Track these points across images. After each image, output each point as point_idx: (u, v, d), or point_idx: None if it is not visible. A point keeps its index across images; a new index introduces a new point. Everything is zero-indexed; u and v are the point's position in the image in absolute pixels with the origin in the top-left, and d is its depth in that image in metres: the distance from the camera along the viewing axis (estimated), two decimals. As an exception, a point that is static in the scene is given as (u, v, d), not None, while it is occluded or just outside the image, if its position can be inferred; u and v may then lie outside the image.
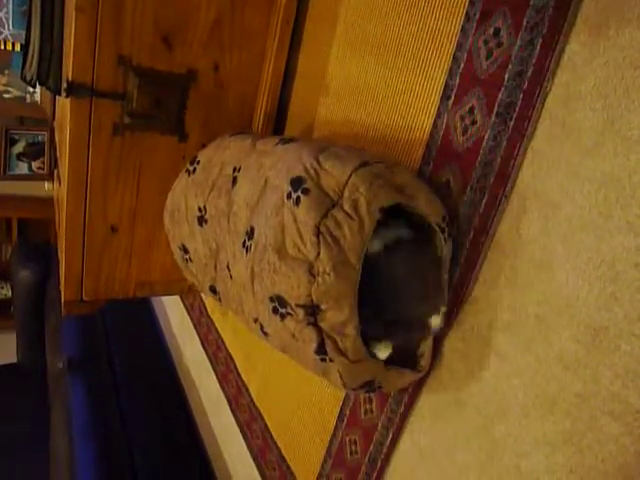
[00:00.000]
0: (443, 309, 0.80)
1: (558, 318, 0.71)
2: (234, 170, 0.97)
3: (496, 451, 0.79)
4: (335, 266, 0.72)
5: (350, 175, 0.75)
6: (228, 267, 0.94)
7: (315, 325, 0.76)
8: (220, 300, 1.04)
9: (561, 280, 0.70)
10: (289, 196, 0.78)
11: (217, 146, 1.07)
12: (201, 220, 1.01)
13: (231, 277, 0.94)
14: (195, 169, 1.08)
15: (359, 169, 0.76)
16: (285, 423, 1.37)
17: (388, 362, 0.84)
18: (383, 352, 0.81)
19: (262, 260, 0.81)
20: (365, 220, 0.74)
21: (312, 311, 0.75)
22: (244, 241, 0.88)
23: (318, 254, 0.73)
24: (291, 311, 0.77)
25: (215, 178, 1.00)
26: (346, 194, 0.75)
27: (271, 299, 0.80)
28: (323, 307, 0.74)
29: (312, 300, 0.74)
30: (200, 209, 1.02)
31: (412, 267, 0.80)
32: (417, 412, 0.93)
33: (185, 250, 1.09)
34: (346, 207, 0.74)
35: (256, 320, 0.87)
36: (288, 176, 0.80)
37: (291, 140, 0.93)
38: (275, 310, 0.80)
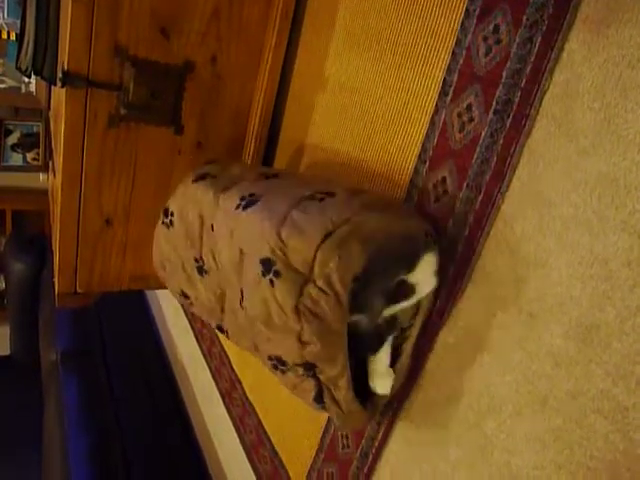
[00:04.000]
0: (423, 265, 0.82)
1: (551, 316, 0.71)
2: (212, 227, 0.96)
3: (487, 447, 0.80)
4: (320, 337, 0.76)
5: (316, 251, 0.76)
6: (236, 312, 0.95)
7: (315, 377, 0.82)
8: (228, 337, 1.04)
9: (554, 278, 0.71)
10: (263, 274, 0.80)
11: (183, 195, 1.04)
12: (201, 270, 1.01)
13: (239, 323, 0.95)
14: (172, 221, 1.05)
15: (324, 242, 0.76)
16: (278, 418, 1.38)
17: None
18: (381, 387, 0.87)
19: (254, 327, 0.85)
20: (340, 293, 0.75)
21: (310, 367, 0.80)
22: (240, 301, 0.90)
23: (302, 328, 0.76)
24: (290, 368, 0.82)
25: (200, 231, 0.99)
26: (316, 270, 0.76)
27: (269, 358, 0.85)
28: (318, 365, 0.80)
29: (307, 360, 0.79)
30: (197, 260, 1.01)
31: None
32: (409, 407, 0.93)
33: (185, 296, 1.09)
34: (319, 283, 0.75)
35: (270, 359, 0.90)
36: (257, 256, 0.81)
37: (252, 202, 0.90)
38: (275, 367, 0.85)
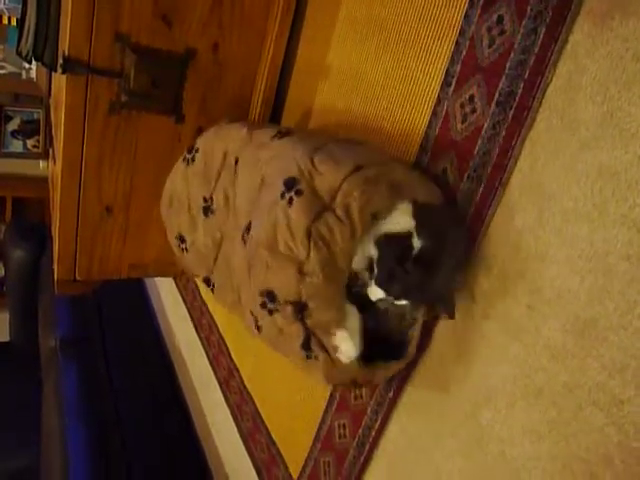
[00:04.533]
0: None
1: (549, 308, 0.71)
2: (236, 161, 0.97)
3: (482, 438, 0.80)
4: (324, 269, 0.74)
5: (343, 180, 0.76)
6: (230, 258, 0.94)
7: (302, 321, 0.78)
8: (213, 292, 1.04)
9: (554, 271, 0.71)
10: (282, 196, 0.79)
11: (215, 133, 1.06)
12: (207, 210, 1.01)
13: (231, 268, 0.94)
14: (194, 157, 1.06)
15: (353, 174, 0.76)
16: (275, 406, 1.38)
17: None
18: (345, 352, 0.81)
19: (255, 255, 0.82)
20: (357, 225, 0.74)
21: (300, 308, 0.77)
22: (243, 234, 0.89)
23: (308, 255, 0.74)
24: (279, 307, 0.79)
25: (220, 167, 0.99)
26: (339, 199, 0.75)
27: (261, 293, 0.81)
28: (311, 305, 0.76)
29: (301, 297, 0.76)
30: (206, 199, 1.01)
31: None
32: (406, 398, 0.94)
33: (182, 240, 1.09)
34: (338, 211, 0.75)
35: (252, 313, 0.88)
36: (282, 176, 0.80)
37: (287, 133, 0.91)
38: (264, 305, 0.81)
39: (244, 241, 0.88)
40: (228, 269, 0.96)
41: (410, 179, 0.81)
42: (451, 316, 0.80)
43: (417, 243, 0.74)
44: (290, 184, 0.78)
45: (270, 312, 0.81)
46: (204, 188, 1.01)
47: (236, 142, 0.98)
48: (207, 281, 1.04)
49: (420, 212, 0.76)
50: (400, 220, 0.76)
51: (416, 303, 0.80)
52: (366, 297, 0.81)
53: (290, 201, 0.77)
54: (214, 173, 1.00)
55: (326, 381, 0.83)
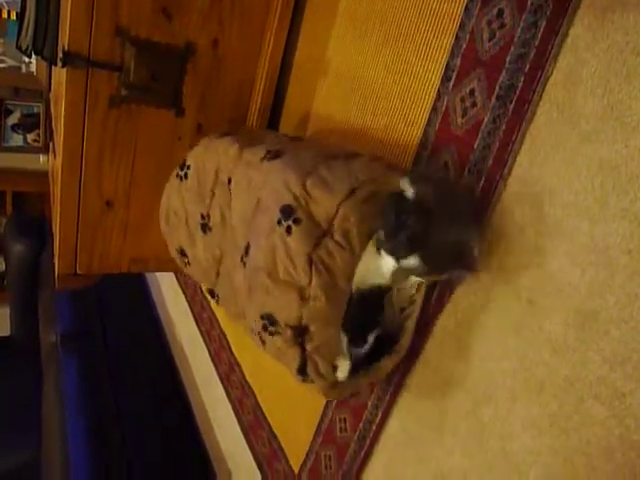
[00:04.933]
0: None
1: (549, 302, 0.71)
2: (229, 181, 0.96)
3: (483, 432, 0.80)
4: (327, 292, 0.75)
5: (339, 205, 0.76)
6: (231, 276, 0.95)
7: (301, 346, 0.80)
8: (218, 303, 1.05)
9: (554, 265, 0.71)
10: (279, 223, 0.79)
11: (205, 148, 1.05)
12: (205, 227, 1.01)
13: (233, 285, 0.95)
14: (187, 174, 1.05)
15: (347, 198, 0.76)
16: (276, 400, 1.39)
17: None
18: (342, 371, 0.83)
19: (255, 280, 0.84)
20: (356, 248, 0.75)
21: (300, 332, 0.79)
22: (242, 256, 0.89)
23: (310, 281, 0.75)
24: (280, 330, 0.80)
25: (212, 186, 0.99)
26: (336, 224, 0.76)
27: (262, 317, 0.83)
28: (312, 329, 0.78)
29: (301, 322, 0.78)
30: (203, 216, 1.01)
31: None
32: (407, 392, 0.94)
33: (183, 254, 1.09)
34: (337, 237, 0.76)
35: (255, 331, 0.89)
36: (278, 202, 0.81)
37: (278, 155, 0.91)
38: (265, 327, 0.83)
39: (243, 263, 0.89)
40: (231, 286, 0.96)
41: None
42: (471, 268, 0.78)
43: (411, 195, 0.73)
44: (287, 212, 0.79)
45: (271, 334, 0.83)
46: (200, 205, 1.02)
47: (228, 159, 0.97)
48: (211, 292, 1.05)
49: (416, 177, 0.76)
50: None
51: (426, 256, 0.75)
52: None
53: (288, 229, 0.78)
54: (208, 190, 1.00)
55: (323, 396, 0.86)
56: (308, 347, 0.80)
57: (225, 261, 0.97)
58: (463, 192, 0.80)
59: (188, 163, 1.06)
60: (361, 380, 0.88)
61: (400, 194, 0.74)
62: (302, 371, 0.82)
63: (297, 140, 1.05)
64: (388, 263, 0.75)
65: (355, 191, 0.77)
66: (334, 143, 1.14)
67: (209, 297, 1.08)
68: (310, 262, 0.75)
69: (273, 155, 0.91)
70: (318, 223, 0.77)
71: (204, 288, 1.07)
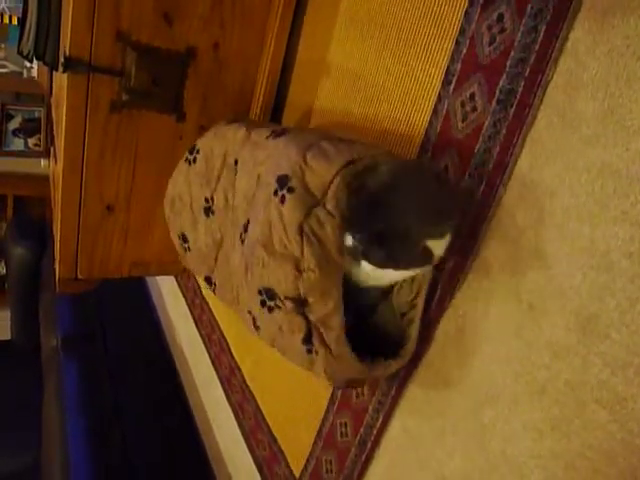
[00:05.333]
0: (447, 237, 0.72)
1: (550, 306, 0.71)
2: (235, 162, 0.97)
3: (484, 436, 0.80)
4: (319, 263, 0.74)
5: (335, 174, 0.76)
6: (229, 258, 0.95)
7: (304, 315, 0.78)
8: (215, 292, 1.05)
9: (555, 268, 0.71)
10: (275, 193, 0.79)
11: (214, 134, 1.06)
12: (208, 211, 1.01)
13: (230, 268, 0.94)
14: (195, 159, 1.06)
15: (344, 168, 0.76)
16: (277, 404, 1.39)
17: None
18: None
19: (252, 254, 0.83)
20: (346, 216, 0.74)
21: (301, 303, 0.77)
22: (241, 234, 0.89)
23: (302, 251, 0.75)
24: (280, 304, 0.79)
25: (220, 169, 1.00)
26: (330, 193, 0.75)
27: (259, 292, 0.82)
28: (310, 300, 0.77)
29: (300, 293, 0.76)
30: (207, 200, 1.01)
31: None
32: (408, 396, 0.94)
33: (184, 239, 1.09)
34: (329, 206, 0.75)
35: (250, 312, 0.88)
36: (275, 173, 0.81)
37: (283, 133, 0.92)
38: (263, 303, 0.82)
39: (242, 240, 0.89)
40: (228, 268, 0.96)
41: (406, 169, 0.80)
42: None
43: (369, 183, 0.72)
44: (282, 182, 0.79)
45: (270, 309, 0.81)
46: (205, 189, 1.02)
47: (236, 142, 0.98)
48: (208, 280, 1.04)
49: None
50: None
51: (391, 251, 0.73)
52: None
53: (282, 199, 0.78)
54: (215, 174, 1.00)
55: (326, 377, 0.83)
56: (311, 317, 0.78)
57: (225, 244, 0.98)
58: (433, 178, 0.75)
59: (197, 147, 1.07)
60: (365, 367, 0.84)
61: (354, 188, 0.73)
62: (307, 340, 0.80)
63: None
64: (365, 266, 0.75)
65: (353, 162, 0.77)
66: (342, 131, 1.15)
67: (205, 286, 1.07)
68: (301, 232, 0.75)
69: (278, 133, 0.92)
70: (312, 193, 0.77)
71: (201, 277, 1.07)
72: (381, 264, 0.74)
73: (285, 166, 0.81)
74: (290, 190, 0.77)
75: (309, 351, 0.80)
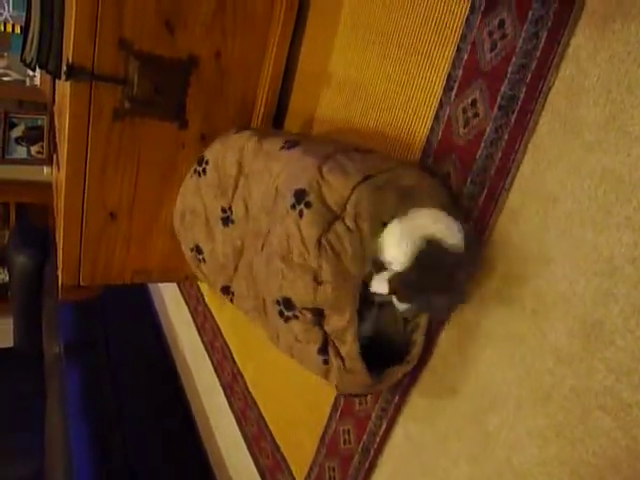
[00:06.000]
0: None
1: (554, 312, 0.71)
2: (251, 172, 0.98)
3: (488, 443, 0.80)
4: (335, 278, 0.75)
5: (353, 190, 0.77)
6: (252, 266, 0.95)
7: (320, 326, 0.80)
8: (232, 301, 1.05)
9: (558, 274, 0.71)
10: (293, 207, 0.80)
11: (222, 144, 1.06)
12: (227, 220, 1.02)
13: (255, 275, 0.95)
14: (205, 170, 1.07)
15: (362, 183, 0.77)
16: (280, 412, 1.38)
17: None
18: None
19: (268, 265, 0.84)
20: (366, 234, 0.75)
21: (318, 313, 0.79)
22: (262, 244, 0.90)
23: (320, 265, 0.76)
24: (298, 314, 0.80)
25: (236, 178, 1.00)
26: (348, 208, 0.76)
27: (277, 302, 0.83)
28: (327, 312, 0.78)
29: (317, 304, 0.78)
30: (224, 210, 1.02)
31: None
32: (411, 403, 0.94)
33: (199, 251, 1.09)
34: (347, 221, 0.76)
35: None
36: (292, 187, 0.82)
37: (296, 143, 0.92)
38: (281, 313, 0.83)
39: (263, 250, 0.90)
40: (251, 276, 0.96)
41: (419, 184, 0.81)
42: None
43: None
44: (300, 196, 0.80)
45: (287, 320, 0.82)
46: (221, 199, 1.02)
47: (249, 152, 0.99)
48: (226, 290, 1.04)
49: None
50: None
51: (418, 305, 0.79)
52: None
53: (301, 213, 0.79)
54: (230, 183, 1.01)
55: (338, 388, 0.85)
56: (327, 328, 0.80)
57: (246, 253, 0.98)
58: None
59: (206, 159, 1.08)
60: (374, 380, 0.85)
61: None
62: (323, 350, 0.81)
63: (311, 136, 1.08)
64: (380, 288, 0.76)
65: (370, 177, 0.78)
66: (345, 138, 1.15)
67: (222, 296, 1.07)
68: (319, 246, 0.76)
69: (292, 144, 0.92)
70: (330, 207, 0.78)
71: (217, 288, 1.07)
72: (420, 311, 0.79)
73: (302, 180, 0.81)
74: (308, 205, 0.78)
75: (325, 361, 0.82)
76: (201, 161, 1.08)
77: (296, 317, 0.81)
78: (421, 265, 0.73)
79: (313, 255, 0.76)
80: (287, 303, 0.81)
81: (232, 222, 1.00)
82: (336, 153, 0.85)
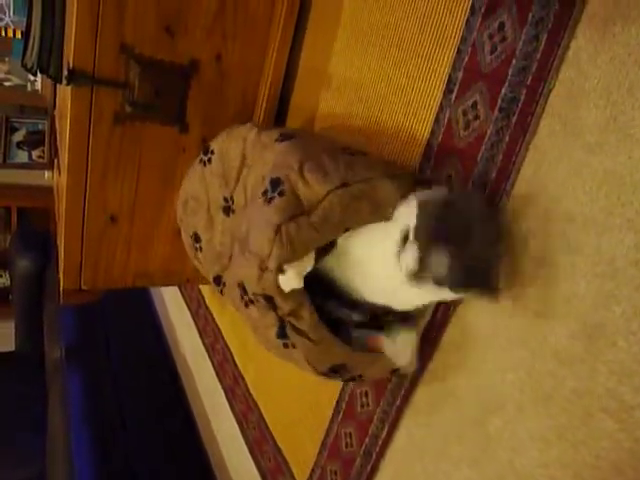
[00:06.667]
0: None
1: (555, 314, 0.71)
2: (251, 164, 0.99)
3: (490, 445, 0.80)
4: (280, 266, 0.76)
5: (328, 193, 0.78)
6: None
7: (275, 311, 0.80)
8: (222, 292, 1.05)
9: (560, 276, 0.70)
10: (265, 193, 0.82)
11: (228, 135, 1.08)
12: (228, 210, 1.03)
13: None
14: (210, 159, 1.08)
15: (338, 189, 0.78)
16: (281, 414, 1.38)
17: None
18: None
19: (233, 249, 0.86)
20: (328, 235, 0.77)
21: (269, 298, 0.79)
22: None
23: (270, 252, 0.76)
24: (253, 298, 0.81)
25: (239, 169, 1.02)
26: (319, 209, 0.77)
27: (238, 284, 0.84)
28: (276, 298, 0.79)
29: (265, 291, 0.78)
30: (226, 199, 1.03)
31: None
32: (413, 405, 0.93)
33: (197, 239, 1.11)
34: (314, 218, 0.77)
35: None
36: (270, 175, 0.83)
37: (290, 137, 0.93)
38: (241, 297, 0.84)
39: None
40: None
41: (395, 200, 0.81)
42: (493, 297, 0.74)
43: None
44: (274, 184, 0.81)
45: (246, 305, 0.83)
46: (224, 188, 1.04)
47: (249, 143, 1.01)
48: (217, 280, 1.05)
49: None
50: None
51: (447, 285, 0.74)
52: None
53: (271, 200, 0.80)
54: (233, 174, 1.02)
55: (312, 368, 0.84)
56: (279, 312, 0.80)
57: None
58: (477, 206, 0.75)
59: (212, 148, 1.09)
60: (348, 347, 0.85)
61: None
62: (282, 333, 0.81)
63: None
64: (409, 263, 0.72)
65: (348, 185, 0.79)
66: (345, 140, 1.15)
67: (213, 287, 1.08)
68: (277, 232, 0.76)
69: (285, 137, 0.94)
70: (300, 202, 0.79)
71: (210, 277, 1.07)
72: (460, 289, 0.72)
73: (281, 171, 0.83)
74: (281, 193, 0.80)
75: (285, 345, 0.82)
76: (207, 150, 1.10)
77: (252, 302, 0.82)
78: (437, 213, 0.71)
79: (267, 239, 0.76)
80: (243, 288, 0.82)
81: (233, 212, 1.02)
82: (323, 152, 0.86)
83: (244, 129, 1.04)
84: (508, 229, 0.77)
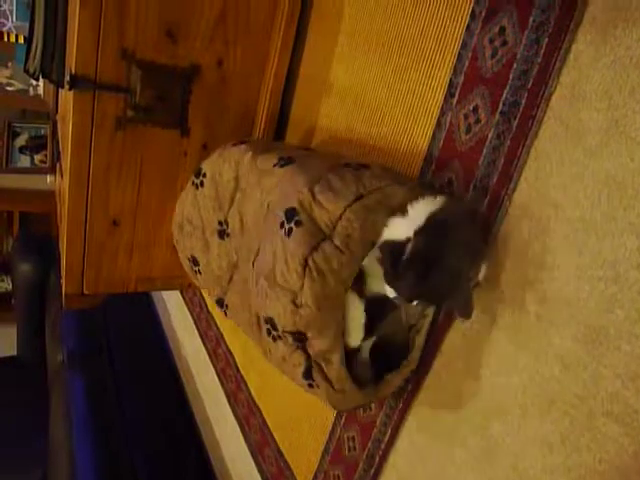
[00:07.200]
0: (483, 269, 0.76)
1: (558, 318, 0.71)
2: (246, 187, 0.98)
3: (493, 450, 0.79)
4: (317, 300, 0.74)
5: (344, 211, 0.76)
6: (246, 280, 0.95)
7: (304, 350, 0.79)
8: (226, 314, 1.05)
9: (562, 280, 0.70)
10: (282, 225, 0.80)
11: (219, 156, 1.06)
12: (222, 234, 1.02)
13: (248, 290, 0.95)
14: (202, 182, 1.07)
15: (353, 204, 0.77)
16: (283, 419, 1.38)
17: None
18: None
19: (257, 283, 0.84)
20: (356, 253, 0.75)
21: (299, 337, 0.78)
22: (253, 260, 0.90)
23: (302, 286, 0.75)
24: (281, 335, 0.79)
25: (232, 192, 1.00)
26: (339, 229, 0.76)
27: (265, 320, 0.82)
28: (309, 335, 0.77)
29: (297, 328, 0.77)
30: (221, 223, 1.02)
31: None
32: (416, 409, 0.93)
33: (195, 262, 1.10)
34: (337, 241, 0.75)
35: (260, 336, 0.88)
36: (284, 205, 0.81)
37: (290, 161, 0.92)
38: (269, 332, 0.82)
39: (253, 265, 0.90)
40: (245, 291, 0.96)
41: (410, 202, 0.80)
42: (466, 316, 0.76)
43: (410, 246, 0.72)
44: (290, 215, 0.79)
45: (274, 339, 0.82)
46: (219, 212, 1.03)
47: (244, 167, 0.99)
48: (220, 302, 1.05)
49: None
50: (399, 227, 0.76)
51: (425, 303, 0.78)
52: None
53: (289, 231, 0.78)
54: (227, 197, 1.01)
55: (332, 408, 0.84)
56: (310, 352, 0.79)
57: (241, 266, 0.98)
58: (467, 227, 0.77)
59: (204, 171, 1.07)
60: (369, 394, 0.86)
61: (399, 243, 0.73)
62: (307, 375, 0.80)
63: (308, 149, 1.07)
64: (389, 291, 0.75)
65: (362, 197, 0.78)
66: (344, 154, 1.15)
67: (217, 309, 1.07)
68: (305, 265, 0.75)
69: (285, 161, 0.92)
70: (319, 227, 0.77)
71: (212, 299, 1.07)
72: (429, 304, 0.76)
73: (293, 199, 0.81)
74: (298, 223, 0.78)
75: (310, 385, 0.81)
76: (198, 173, 1.08)
77: (280, 338, 0.80)
78: (426, 231, 0.72)
79: (296, 274, 0.75)
80: (272, 323, 0.81)
81: (228, 235, 1.01)
82: (328, 172, 0.84)
83: (237, 151, 1.02)
84: (490, 248, 0.78)
